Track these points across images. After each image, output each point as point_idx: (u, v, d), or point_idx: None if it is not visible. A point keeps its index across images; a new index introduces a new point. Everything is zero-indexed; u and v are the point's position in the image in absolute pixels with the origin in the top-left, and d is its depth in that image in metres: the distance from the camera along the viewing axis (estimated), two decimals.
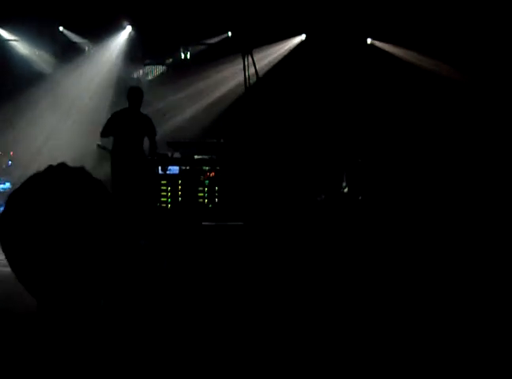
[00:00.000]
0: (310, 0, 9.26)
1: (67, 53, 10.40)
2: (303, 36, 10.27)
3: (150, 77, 10.61)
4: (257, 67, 7.29)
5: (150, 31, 10.03)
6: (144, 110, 8.18)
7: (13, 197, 1.29)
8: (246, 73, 7.27)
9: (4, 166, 9.53)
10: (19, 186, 1.30)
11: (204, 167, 9.27)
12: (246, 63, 7.26)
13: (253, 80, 7.37)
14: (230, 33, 10.05)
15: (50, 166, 1.33)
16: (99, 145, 8.05)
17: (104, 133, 7.88)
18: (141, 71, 10.63)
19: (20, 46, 10.36)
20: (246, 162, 9.08)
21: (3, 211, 1.29)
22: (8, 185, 9.05)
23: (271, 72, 9.81)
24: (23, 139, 9.67)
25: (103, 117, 8.44)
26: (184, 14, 9.57)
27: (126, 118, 7.85)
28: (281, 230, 7.55)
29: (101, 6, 9.55)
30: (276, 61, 9.94)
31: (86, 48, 10.58)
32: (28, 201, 1.26)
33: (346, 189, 9.32)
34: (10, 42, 10.35)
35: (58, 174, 1.31)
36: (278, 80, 9.62)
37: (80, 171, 1.33)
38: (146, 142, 8.07)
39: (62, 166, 1.34)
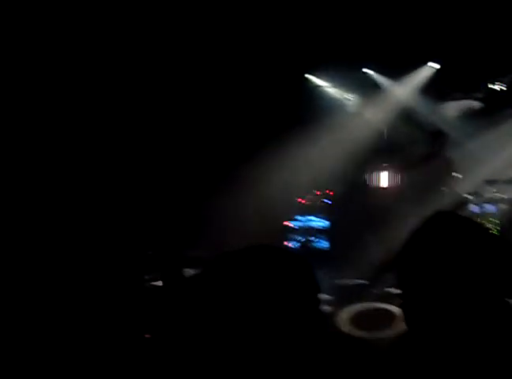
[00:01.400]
0: None
1: (369, 93, 10.80)
2: None
3: (458, 114, 10.36)
4: None
5: (457, 64, 9.80)
6: (454, 149, 8.20)
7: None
8: None
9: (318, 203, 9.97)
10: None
11: None
12: None
13: None
14: None
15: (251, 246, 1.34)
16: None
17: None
18: (449, 108, 10.46)
19: (330, 90, 11.06)
20: None
21: None
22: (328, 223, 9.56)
23: None
24: None
25: None
26: (493, 44, 9.17)
27: (428, 162, 8.03)
28: None
29: (405, 45, 9.66)
30: None
31: (386, 86, 10.84)
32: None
33: None
34: (321, 88, 11.12)
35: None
36: None
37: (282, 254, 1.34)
38: None
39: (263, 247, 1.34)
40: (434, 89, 10.23)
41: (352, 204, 9.36)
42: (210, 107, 9.93)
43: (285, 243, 9.63)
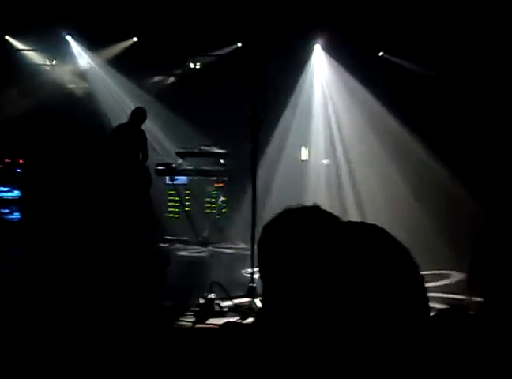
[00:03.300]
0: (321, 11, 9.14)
1: (68, 60, 10.51)
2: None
3: (159, 88, 10.61)
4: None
5: (157, 41, 9.98)
6: (154, 120, 9.01)
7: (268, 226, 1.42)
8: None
9: None
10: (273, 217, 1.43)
11: (212, 178, 9.30)
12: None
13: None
14: (239, 44, 10.02)
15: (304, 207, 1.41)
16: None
17: (107, 146, 8.31)
18: (149, 81, 10.67)
19: (31, 55, 10.48)
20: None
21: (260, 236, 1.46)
22: None
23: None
24: None
25: None
26: (192, 25, 9.54)
27: (127, 133, 8.34)
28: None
29: (106, 17, 9.55)
30: None
31: (84, 56, 10.62)
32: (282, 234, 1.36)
33: None
34: (22, 51, 10.44)
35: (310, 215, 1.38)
36: None
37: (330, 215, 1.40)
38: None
39: (316, 208, 1.41)
40: (134, 64, 10.26)
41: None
42: None
43: None
